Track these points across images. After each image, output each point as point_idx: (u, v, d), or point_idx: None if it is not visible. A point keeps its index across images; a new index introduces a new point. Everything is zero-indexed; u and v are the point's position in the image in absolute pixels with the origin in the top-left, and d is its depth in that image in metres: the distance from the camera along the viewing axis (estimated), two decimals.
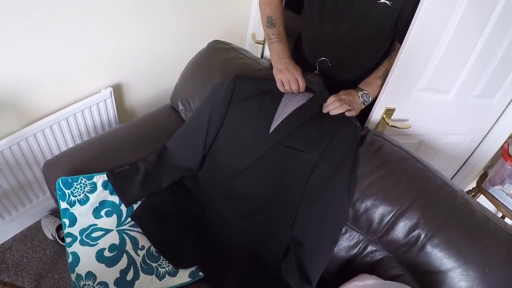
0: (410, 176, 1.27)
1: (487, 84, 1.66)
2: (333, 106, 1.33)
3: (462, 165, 2.18)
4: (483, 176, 2.34)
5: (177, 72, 1.77)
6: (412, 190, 1.24)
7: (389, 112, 1.49)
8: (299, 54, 1.61)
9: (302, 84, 1.37)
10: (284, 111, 1.35)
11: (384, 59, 1.48)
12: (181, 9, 1.95)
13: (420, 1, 1.22)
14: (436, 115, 1.70)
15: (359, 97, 1.41)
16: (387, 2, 1.28)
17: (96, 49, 1.70)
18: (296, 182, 1.29)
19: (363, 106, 1.44)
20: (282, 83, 1.37)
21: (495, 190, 2.21)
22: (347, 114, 1.34)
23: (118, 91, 1.94)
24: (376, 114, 1.50)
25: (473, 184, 2.37)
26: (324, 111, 1.34)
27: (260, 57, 2.09)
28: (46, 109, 1.66)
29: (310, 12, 1.47)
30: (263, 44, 2.16)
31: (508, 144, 2.32)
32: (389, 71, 1.38)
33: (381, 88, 1.43)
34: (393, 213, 1.24)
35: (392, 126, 1.50)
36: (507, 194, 2.19)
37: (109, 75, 1.84)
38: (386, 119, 1.48)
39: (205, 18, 2.12)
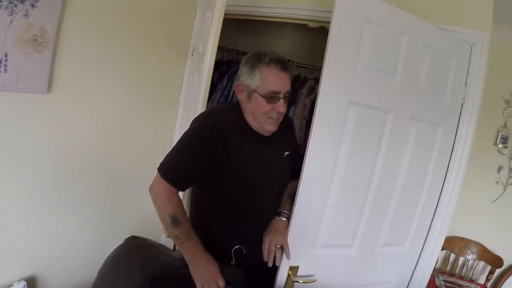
0: None
1: (391, 233, 1.86)
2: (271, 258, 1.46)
3: None
4: None
5: (95, 266, 1.73)
6: None
7: (294, 270, 1.58)
8: (210, 243, 1.49)
9: (222, 285, 1.37)
10: None
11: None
12: (98, 202, 2.05)
13: (304, 166, 1.51)
14: (345, 268, 1.80)
15: (282, 219, 1.53)
16: (287, 152, 1.59)
17: (10, 239, 1.67)
18: None
19: (286, 225, 1.54)
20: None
21: None
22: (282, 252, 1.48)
23: (32, 285, 1.84)
24: (282, 273, 1.58)
25: None
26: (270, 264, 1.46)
27: (173, 249, 2.16)
28: None
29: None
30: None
31: (434, 277, 2.49)
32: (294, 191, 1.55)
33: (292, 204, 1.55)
34: None
35: (296, 281, 1.59)
36: None
37: (23, 267, 1.77)
38: (292, 276, 1.58)
39: (121, 212, 2.22)
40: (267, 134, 1.50)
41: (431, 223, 2.03)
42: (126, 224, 2.26)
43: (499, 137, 2.64)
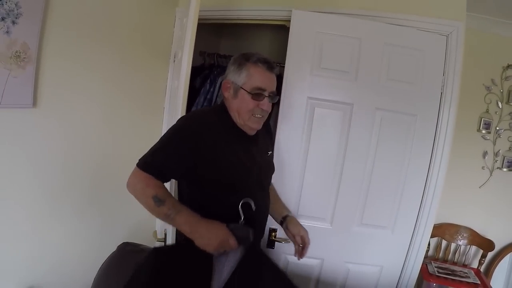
0: None
1: (369, 216, 2.08)
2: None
3: None
4: None
5: (92, 275, 1.77)
6: None
7: (273, 232, 2.03)
8: None
9: (234, 243, 1.35)
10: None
11: None
12: (91, 212, 2.10)
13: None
14: (323, 240, 2.08)
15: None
16: (270, 151, 1.74)
17: (7, 252, 1.70)
18: None
19: None
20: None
21: None
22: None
23: None
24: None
25: None
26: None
27: None
28: None
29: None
30: (164, 242, 2.23)
31: (426, 264, 2.56)
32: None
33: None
34: None
35: (275, 240, 2.03)
36: None
37: (20, 279, 1.81)
38: (272, 237, 2.02)
39: (114, 218, 2.27)
40: (251, 132, 1.55)
41: (419, 211, 2.11)
42: (119, 231, 2.30)
43: (481, 123, 2.74)
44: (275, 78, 1.53)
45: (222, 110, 1.55)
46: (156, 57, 2.37)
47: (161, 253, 1.45)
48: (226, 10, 2.33)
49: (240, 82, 1.47)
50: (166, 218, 1.38)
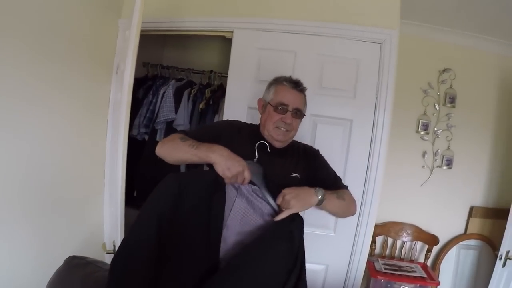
0: None
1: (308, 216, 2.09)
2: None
3: None
4: None
5: None
6: None
7: None
8: None
9: (248, 177, 1.46)
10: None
11: None
12: (37, 228, 2.07)
13: None
14: None
15: (314, 193, 1.52)
16: (297, 175, 1.65)
17: None
18: None
19: (315, 202, 1.52)
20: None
21: None
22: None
23: None
24: None
25: None
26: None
27: None
28: None
29: None
30: (113, 253, 2.14)
31: (373, 262, 2.69)
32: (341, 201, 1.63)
33: (334, 205, 1.60)
34: None
35: None
36: None
37: None
38: None
39: (60, 233, 2.24)
40: (277, 145, 1.67)
41: (359, 212, 2.22)
42: (67, 245, 2.28)
43: (420, 124, 2.90)
44: (301, 96, 1.69)
45: (254, 124, 1.80)
46: (99, 69, 2.38)
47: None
48: (169, 22, 2.39)
49: (268, 99, 1.69)
50: (190, 148, 1.51)
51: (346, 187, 1.77)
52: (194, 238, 1.44)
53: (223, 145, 1.50)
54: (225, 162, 1.43)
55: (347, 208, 1.71)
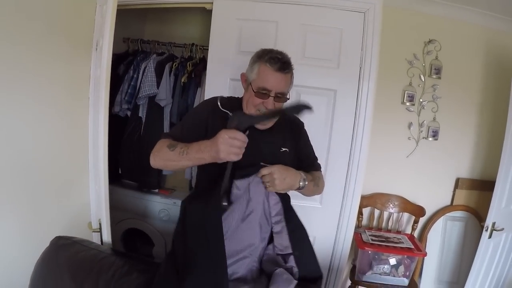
0: None
1: None
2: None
3: (329, 269, 2.45)
4: (354, 269, 2.64)
5: (29, 274, 1.81)
6: None
7: None
8: None
9: (241, 137, 1.39)
10: None
11: None
12: (22, 210, 2.04)
13: None
14: None
15: (299, 181, 1.58)
16: (286, 149, 1.67)
17: None
18: None
19: (295, 188, 1.60)
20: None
21: (369, 276, 2.51)
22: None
23: None
24: None
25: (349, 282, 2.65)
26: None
27: (100, 243, 2.14)
28: None
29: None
30: (99, 232, 2.18)
31: (361, 233, 2.73)
32: (315, 188, 1.70)
33: (308, 190, 1.66)
34: None
35: None
36: (380, 274, 2.49)
37: None
38: None
39: (47, 214, 2.22)
40: (259, 127, 1.60)
41: (345, 184, 2.24)
42: (54, 226, 2.25)
43: (405, 95, 2.90)
44: (285, 78, 1.56)
45: (238, 98, 1.72)
46: (78, 46, 2.32)
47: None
48: None
49: (250, 78, 1.59)
50: (181, 156, 1.49)
51: (320, 167, 1.83)
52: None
53: (213, 133, 1.44)
54: (212, 149, 1.39)
55: (315, 192, 1.79)
